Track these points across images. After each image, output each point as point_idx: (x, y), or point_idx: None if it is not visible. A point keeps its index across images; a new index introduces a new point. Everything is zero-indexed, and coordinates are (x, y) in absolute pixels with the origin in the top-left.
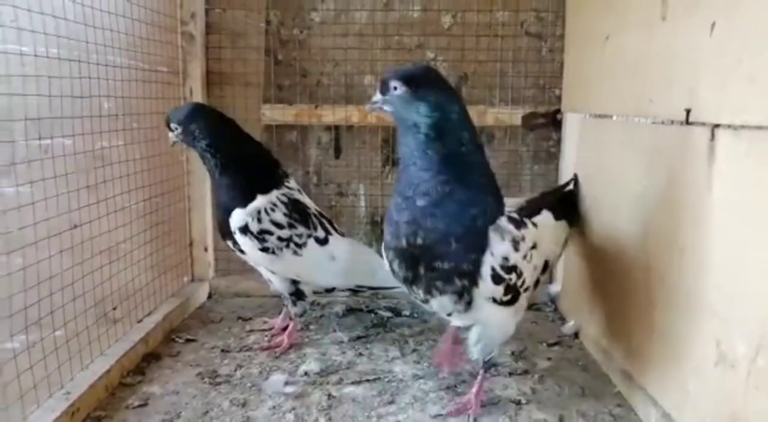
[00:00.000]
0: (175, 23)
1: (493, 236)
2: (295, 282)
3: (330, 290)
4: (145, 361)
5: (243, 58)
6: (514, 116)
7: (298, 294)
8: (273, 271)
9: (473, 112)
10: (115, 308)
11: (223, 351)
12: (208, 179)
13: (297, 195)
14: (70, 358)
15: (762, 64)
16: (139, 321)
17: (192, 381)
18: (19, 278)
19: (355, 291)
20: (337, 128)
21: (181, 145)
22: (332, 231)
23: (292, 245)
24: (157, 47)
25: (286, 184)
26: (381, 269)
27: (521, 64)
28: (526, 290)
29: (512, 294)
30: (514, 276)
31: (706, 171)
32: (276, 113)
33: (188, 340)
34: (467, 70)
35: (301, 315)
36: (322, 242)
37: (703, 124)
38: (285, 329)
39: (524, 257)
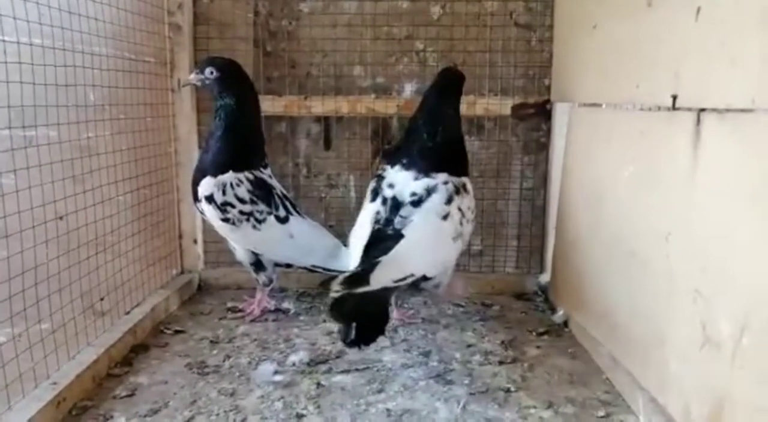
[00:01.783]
0: (162, 13)
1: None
2: (255, 254)
3: (289, 266)
4: (133, 352)
5: (231, 49)
6: (504, 106)
7: (257, 265)
8: (233, 241)
9: (463, 102)
10: (102, 299)
11: (212, 341)
12: None
13: (266, 178)
14: (56, 348)
15: (743, 46)
16: (127, 313)
17: (180, 372)
18: (3, 269)
19: (311, 271)
20: (326, 119)
21: (192, 93)
22: (294, 212)
23: (252, 219)
24: (143, 37)
25: (261, 169)
26: (340, 254)
27: (510, 54)
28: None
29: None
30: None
31: (691, 155)
32: (265, 105)
33: (177, 331)
34: (456, 61)
35: (267, 285)
36: (282, 220)
37: (689, 109)
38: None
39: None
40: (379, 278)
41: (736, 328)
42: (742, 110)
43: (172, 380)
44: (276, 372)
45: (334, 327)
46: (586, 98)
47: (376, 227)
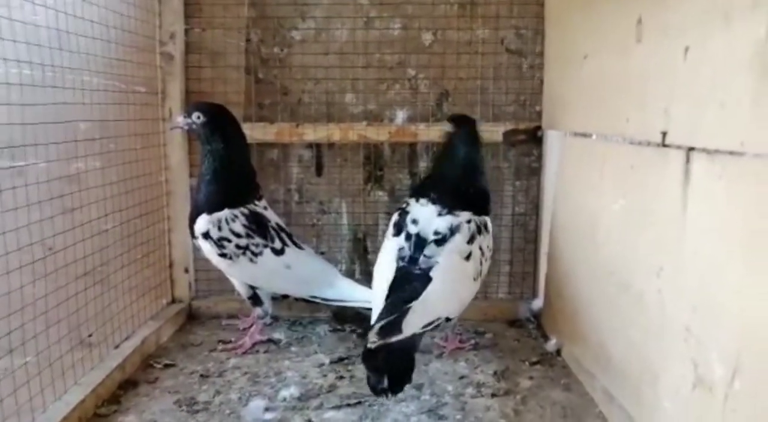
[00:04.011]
0: (154, 43)
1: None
2: (252, 287)
3: (285, 297)
4: (122, 389)
5: (223, 77)
6: (495, 132)
7: (254, 298)
8: (230, 275)
9: None
10: (90, 336)
11: (202, 375)
12: (189, 199)
13: (260, 210)
14: (42, 390)
15: (733, 89)
16: (116, 347)
17: (169, 409)
18: None
19: (308, 301)
20: (318, 145)
21: (182, 132)
22: (290, 243)
23: (248, 252)
24: (135, 68)
25: (255, 202)
26: (337, 282)
27: (502, 80)
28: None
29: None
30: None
31: (681, 192)
32: (257, 132)
33: (166, 365)
34: (448, 87)
35: (262, 318)
36: (278, 252)
37: (679, 147)
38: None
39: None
40: (411, 325)
41: (728, 370)
42: (731, 153)
43: (160, 419)
44: (267, 409)
45: (326, 359)
46: (577, 127)
47: (401, 264)
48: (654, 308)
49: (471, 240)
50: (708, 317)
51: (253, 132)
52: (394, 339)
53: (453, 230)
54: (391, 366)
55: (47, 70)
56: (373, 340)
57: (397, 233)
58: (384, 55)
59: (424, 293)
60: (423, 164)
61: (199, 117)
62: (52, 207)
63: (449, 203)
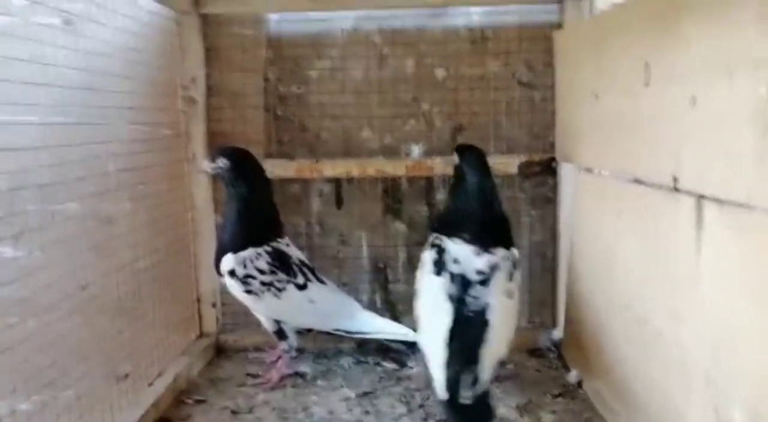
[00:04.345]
0: (176, 88)
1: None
2: (277, 322)
3: (309, 331)
4: None
5: (243, 117)
6: (510, 164)
7: (280, 333)
8: (256, 311)
9: None
10: (127, 376)
11: (232, 411)
12: (214, 236)
13: (283, 247)
14: None
15: (737, 145)
16: (150, 384)
17: None
18: (32, 341)
19: (331, 334)
20: (338, 179)
21: (208, 175)
22: (312, 278)
23: (273, 288)
24: (159, 112)
25: (278, 240)
26: (359, 315)
27: (515, 114)
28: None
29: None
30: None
31: (695, 236)
32: (278, 168)
33: (197, 401)
34: (462, 121)
35: (288, 352)
36: (301, 287)
37: (689, 193)
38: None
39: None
40: (486, 371)
41: (748, 418)
42: (740, 205)
43: None
44: None
45: (351, 393)
46: (590, 163)
47: (454, 306)
48: (673, 347)
49: (511, 278)
50: (727, 363)
51: (275, 169)
52: (480, 389)
53: (493, 269)
54: (483, 417)
55: (82, 116)
56: (466, 396)
57: (438, 273)
58: (399, 91)
59: (488, 339)
60: (440, 196)
61: (223, 162)
62: (87, 243)
63: (483, 242)
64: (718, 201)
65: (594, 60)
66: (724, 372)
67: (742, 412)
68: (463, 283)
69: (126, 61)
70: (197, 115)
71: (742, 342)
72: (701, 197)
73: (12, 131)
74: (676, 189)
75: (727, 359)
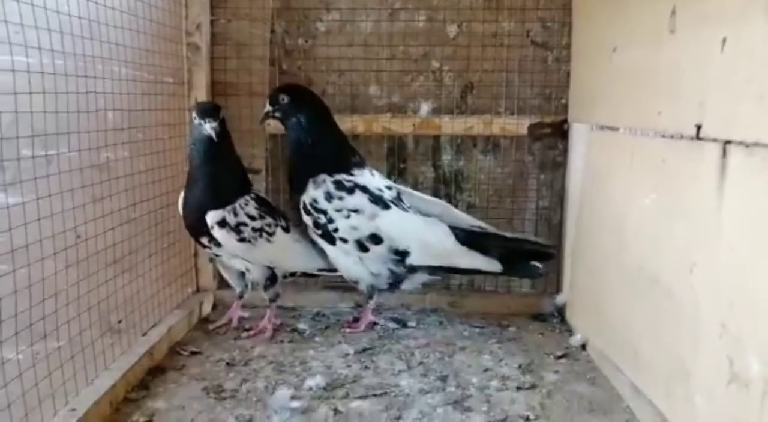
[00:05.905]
0: (180, 34)
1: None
2: (270, 268)
3: (293, 274)
4: (150, 375)
5: (248, 68)
6: (521, 125)
7: (272, 279)
8: (250, 260)
9: (480, 121)
10: (120, 322)
11: (228, 364)
12: None
13: (261, 195)
14: (75, 374)
15: None
16: (144, 334)
17: (197, 396)
18: (25, 293)
19: (315, 275)
20: None
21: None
22: (287, 223)
23: (264, 234)
24: (162, 58)
25: (253, 190)
26: None
27: (527, 73)
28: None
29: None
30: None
31: (717, 186)
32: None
33: (193, 353)
34: (473, 80)
35: (274, 300)
36: (286, 229)
37: (714, 140)
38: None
39: (337, 210)
40: None
41: (766, 367)
42: None
43: (189, 405)
44: (293, 398)
45: (350, 349)
46: (605, 121)
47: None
48: (686, 304)
49: None
50: (745, 313)
51: (277, 123)
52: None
53: None
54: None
55: (78, 59)
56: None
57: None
58: (408, 47)
59: None
60: (446, 158)
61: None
62: (84, 196)
63: None
64: (746, 145)
65: (614, 12)
66: (741, 323)
67: (760, 362)
68: None
69: (127, 3)
70: (200, 63)
71: (763, 289)
72: (727, 143)
73: (6, 73)
74: (698, 138)
75: (746, 309)
